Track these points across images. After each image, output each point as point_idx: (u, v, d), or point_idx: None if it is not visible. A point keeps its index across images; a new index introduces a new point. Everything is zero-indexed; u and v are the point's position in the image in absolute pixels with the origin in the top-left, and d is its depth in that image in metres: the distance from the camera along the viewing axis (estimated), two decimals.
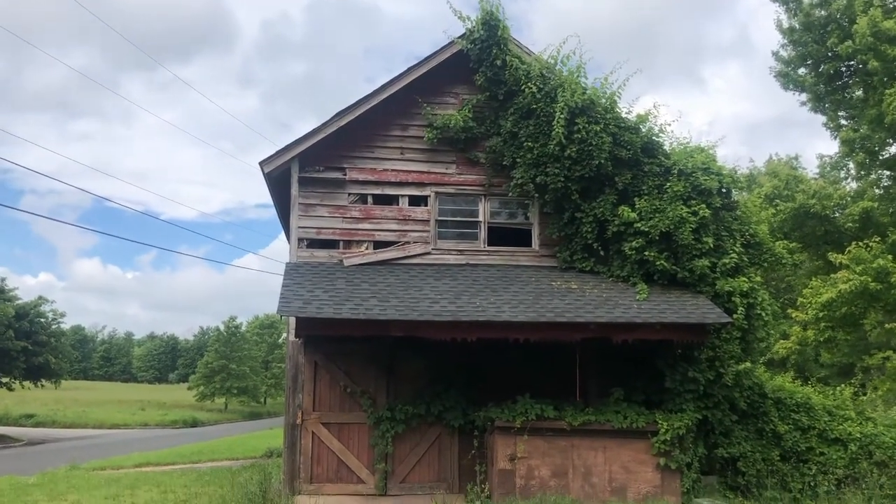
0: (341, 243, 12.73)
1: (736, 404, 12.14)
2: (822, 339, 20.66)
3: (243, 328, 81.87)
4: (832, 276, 20.20)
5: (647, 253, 11.80)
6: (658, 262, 11.76)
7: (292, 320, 11.76)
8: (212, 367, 69.76)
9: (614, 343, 11.03)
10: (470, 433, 12.07)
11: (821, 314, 19.61)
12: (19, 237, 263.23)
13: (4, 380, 40.35)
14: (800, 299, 21.74)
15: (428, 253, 12.72)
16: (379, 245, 12.74)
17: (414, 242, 12.75)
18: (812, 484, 12.24)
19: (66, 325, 69.34)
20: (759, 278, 12.16)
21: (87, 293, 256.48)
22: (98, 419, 52.18)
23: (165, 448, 28.70)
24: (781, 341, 22.80)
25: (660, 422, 11.36)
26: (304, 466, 11.85)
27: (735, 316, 11.65)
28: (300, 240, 12.58)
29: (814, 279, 21.88)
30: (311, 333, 10.67)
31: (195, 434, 42.22)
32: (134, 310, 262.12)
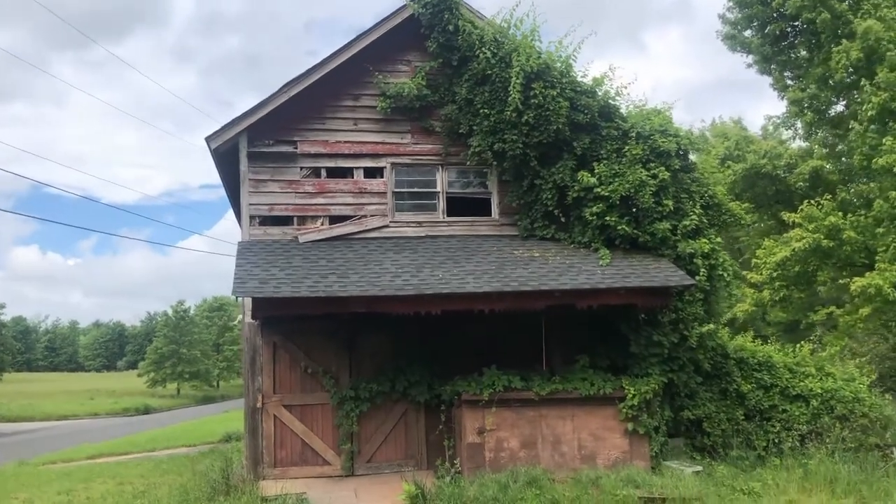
0: (295, 219, 12.28)
1: (700, 366, 12.14)
2: (777, 299, 20.97)
3: (192, 312, 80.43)
4: (785, 235, 20.45)
5: (608, 218, 11.64)
6: (619, 227, 11.62)
7: (248, 301, 11.33)
8: (161, 352, 68.44)
9: (579, 309, 10.88)
10: (436, 408, 11.86)
11: (775, 273, 19.86)
12: None
13: None
14: (753, 260, 22.01)
15: (386, 226, 12.37)
16: (335, 220, 12.34)
17: (371, 216, 12.38)
18: (776, 441, 12.35)
19: (6, 316, 67.20)
20: (719, 239, 12.12)
21: (26, 282, 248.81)
22: (45, 411, 50.57)
23: (118, 437, 27.91)
24: (738, 304, 23.09)
25: (626, 387, 11.30)
26: (268, 451, 11.50)
27: (697, 278, 11.60)
28: (252, 217, 12.09)
29: (766, 239, 22.16)
30: (269, 314, 10.28)
31: (148, 421, 41.29)
32: (77, 297, 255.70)
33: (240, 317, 12.59)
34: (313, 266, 11.06)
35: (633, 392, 11.24)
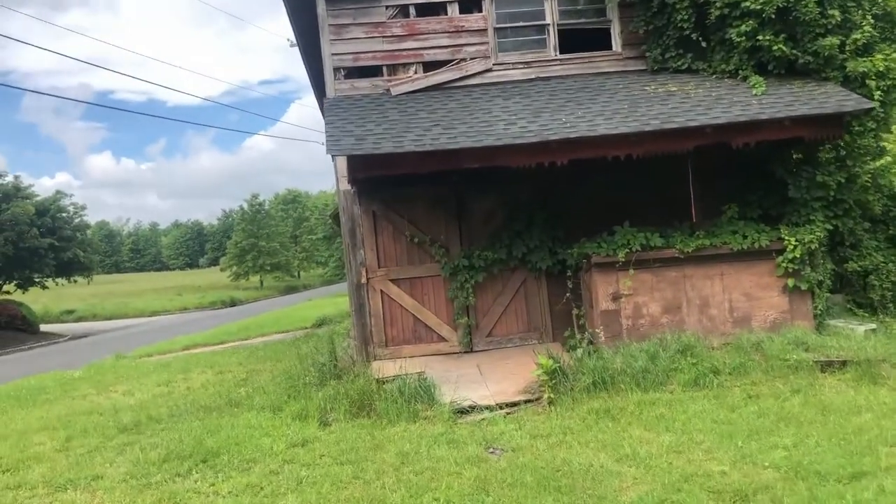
0: (385, 69, 10.65)
1: (869, 210, 10.32)
2: None
3: (266, 206, 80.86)
4: None
5: (760, 37, 9.60)
6: (774, 47, 9.59)
7: (342, 166, 9.96)
8: (241, 246, 69.22)
9: (734, 148, 9.10)
10: (559, 275, 10.47)
11: None
12: (28, 140, 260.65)
13: (37, 278, 39.53)
14: None
15: (489, 70, 10.63)
16: (429, 67, 10.66)
17: (471, 59, 10.64)
18: None
19: (90, 220, 68.70)
20: (895, 55, 9.97)
21: (103, 189, 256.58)
22: (137, 308, 52.01)
23: (210, 328, 27.85)
24: None
25: (786, 237, 9.62)
26: (377, 329, 10.38)
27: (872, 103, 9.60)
28: (336, 70, 10.51)
29: None
30: (368, 175, 8.84)
31: (236, 313, 41.72)
32: (153, 200, 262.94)
33: (335, 183, 11.27)
34: (412, 119, 9.52)
35: (793, 243, 9.56)
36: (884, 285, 10.64)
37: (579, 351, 9.48)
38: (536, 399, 8.49)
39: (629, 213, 10.05)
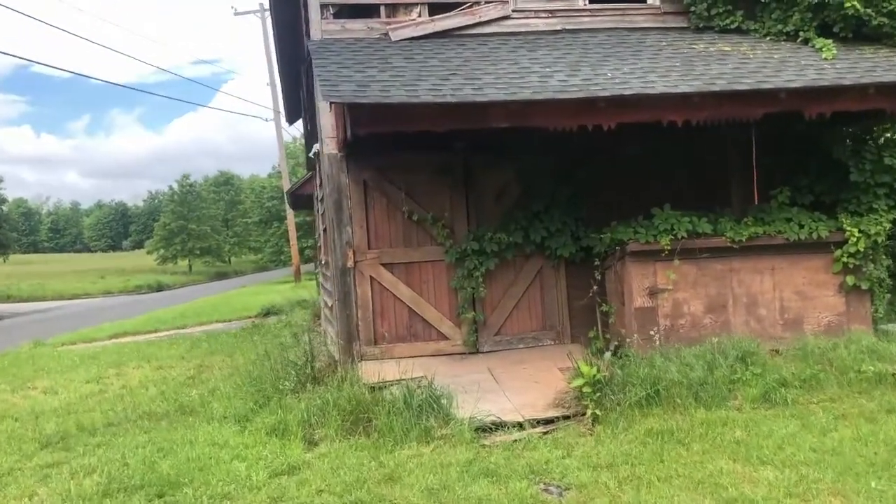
0: (382, 9, 8.84)
1: None
2: None
3: (197, 188, 77.36)
4: None
5: None
6: (847, 4, 8.17)
7: (327, 124, 8.15)
8: (170, 228, 65.96)
9: (806, 118, 7.64)
10: (581, 265, 8.90)
11: None
12: None
13: None
14: None
15: (507, 17, 8.92)
16: (436, 9, 8.89)
17: (485, 3, 8.92)
18: None
19: (7, 197, 64.25)
20: None
21: (22, 165, 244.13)
22: (56, 290, 48.39)
23: (140, 315, 25.35)
24: None
25: (848, 227, 8.27)
26: (365, 324, 8.59)
27: None
28: (323, 7, 8.64)
29: None
30: (373, 130, 7.02)
31: (165, 298, 38.86)
32: (74, 178, 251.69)
33: (316, 146, 9.39)
34: (423, 67, 7.75)
35: (857, 234, 8.22)
36: None
37: (607, 355, 7.93)
38: (575, 415, 6.89)
39: (661, 195, 8.55)
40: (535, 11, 8.97)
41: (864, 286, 8.40)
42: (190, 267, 69.53)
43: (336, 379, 7.58)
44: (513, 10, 8.91)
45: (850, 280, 8.36)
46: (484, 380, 7.81)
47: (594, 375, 6.82)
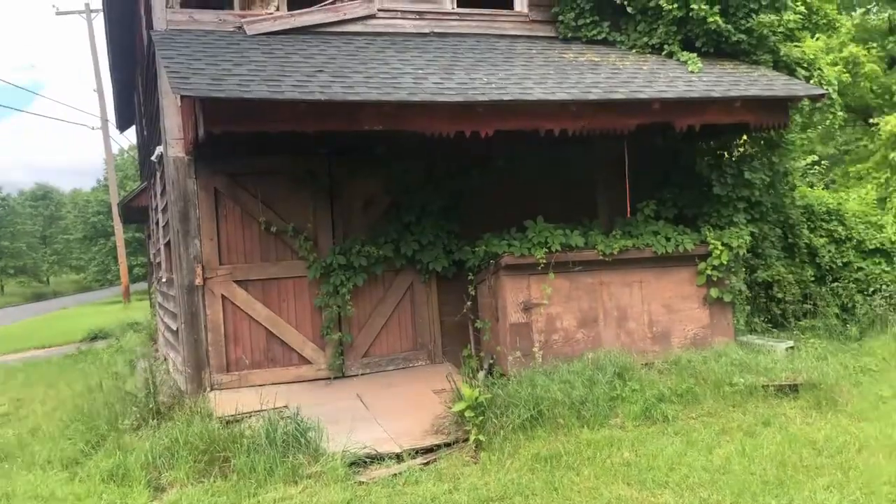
0: (236, 0, 8.03)
1: (785, 214, 9.40)
2: None
3: (11, 202, 70.72)
4: None
5: (693, 6, 8.25)
6: (710, 19, 8.26)
7: (172, 125, 7.29)
8: None
9: (677, 130, 7.61)
10: (453, 280, 8.47)
11: None
12: None
13: None
14: None
15: (372, 16, 8.34)
16: (295, 3, 8.19)
17: (350, 0, 8.31)
18: (850, 306, 10.03)
19: None
20: (821, 44, 9.12)
21: None
22: None
23: None
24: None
25: (711, 241, 8.37)
26: (216, 349, 7.63)
27: None
28: None
29: None
30: (228, 129, 6.17)
31: None
32: None
33: (159, 149, 8.34)
34: (285, 62, 7.02)
35: (720, 247, 8.33)
36: (786, 298, 9.80)
37: (481, 374, 7.55)
38: (456, 441, 6.38)
39: (533, 207, 8.30)
40: (402, 12, 8.46)
41: (727, 298, 8.51)
42: (2, 288, 63.29)
43: (185, 413, 6.69)
44: (378, 10, 8.35)
45: (713, 293, 8.45)
46: (354, 407, 7.14)
47: (476, 398, 6.34)
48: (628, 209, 8.22)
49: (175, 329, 8.47)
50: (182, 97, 6.11)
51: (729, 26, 8.43)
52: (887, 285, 9.86)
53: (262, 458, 5.84)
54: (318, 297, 7.95)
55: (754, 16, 8.45)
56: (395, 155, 8.14)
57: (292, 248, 7.96)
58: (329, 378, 7.96)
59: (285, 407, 6.87)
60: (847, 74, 14.03)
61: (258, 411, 6.71)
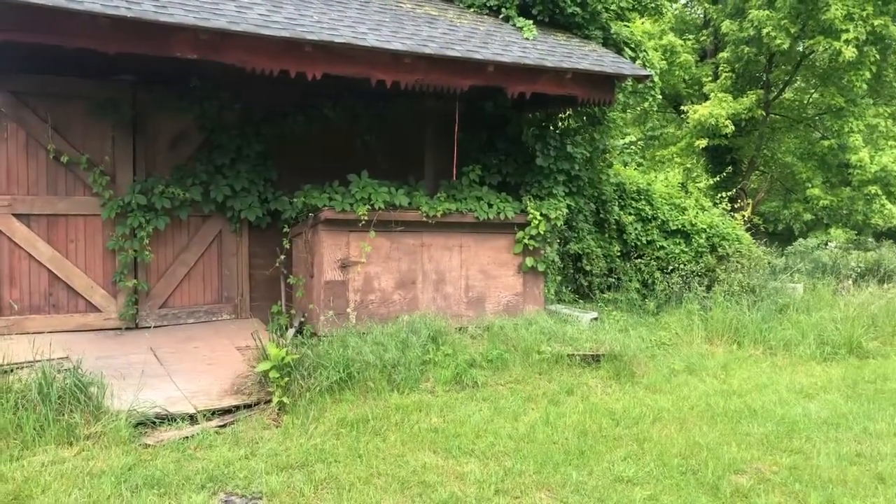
0: None
1: (600, 189, 9.70)
2: None
3: None
4: None
5: None
6: None
7: None
8: None
9: (509, 95, 7.53)
10: (266, 231, 7.98)
11: None
12: None
13: None
14: None
15: None
16: None
17: None
18: (650, 282, 10.61)
19: None
20: (647, 27, 9.40)
21: None
22: None
23: None
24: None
25: (531, 211, 8.47)
26: None
27: None
28: None
29: None
30: (16, 39, 5.26)
31: None
32: None
33: None
34: None
35: (538, 217, 8.44)
36: (593, 271, 10.18)
37: (290, 332, 7.20)
38: (257, 403, 6.00)
39: (359, 162, 8.01)
40: None
41: (541, 268, 8.66)
42: None
43: None
44: None
45: (529, 261, 8.57)
46: (146, 361, 6.52)
47: (283, 358, 5.97)
48: (454, 171, 8.07)
49: None
50: None
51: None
52: (685, 265, 10.49)
53: (33, 415, 5.17)
54: (113, 238, 7.17)
55: None
56: (210, 90, 7.47)
57: (86, 182, 7.10)
58: (120, 329, 7.24)
59: (66, 358, 6.16)
60: (664, 62, 14.81)
61: (32, 362, 5.94)
